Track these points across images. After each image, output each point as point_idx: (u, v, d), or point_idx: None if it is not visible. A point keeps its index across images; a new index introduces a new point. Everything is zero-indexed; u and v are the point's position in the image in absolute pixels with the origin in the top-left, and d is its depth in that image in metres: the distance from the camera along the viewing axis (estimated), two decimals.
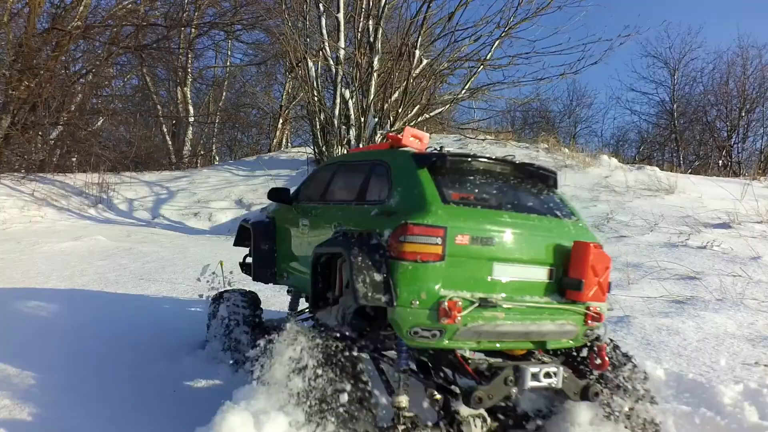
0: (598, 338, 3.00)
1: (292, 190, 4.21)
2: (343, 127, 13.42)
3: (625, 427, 2.95)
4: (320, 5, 13.09)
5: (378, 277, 2.56)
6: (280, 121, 23.37)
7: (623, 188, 13.24)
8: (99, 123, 20.61)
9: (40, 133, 17.14)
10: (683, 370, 4.25)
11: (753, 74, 25.78)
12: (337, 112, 13.21)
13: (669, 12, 46.13)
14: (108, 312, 5.57)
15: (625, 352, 3.19)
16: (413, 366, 2.98)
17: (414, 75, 12.65)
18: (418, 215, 2.60)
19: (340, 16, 13.08)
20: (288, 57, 14.69)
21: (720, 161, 24.61)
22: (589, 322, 2.81)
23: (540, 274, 2.79)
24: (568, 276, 2.81)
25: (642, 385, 3.06)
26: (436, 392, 2.79)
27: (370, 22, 13.08)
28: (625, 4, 42.64)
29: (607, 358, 2.93)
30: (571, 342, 2.92)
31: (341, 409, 2.47)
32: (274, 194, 4.11)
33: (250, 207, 15.36)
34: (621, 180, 13.90)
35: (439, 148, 3.02)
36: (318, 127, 13.89)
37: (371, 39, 13.10)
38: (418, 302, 2.52)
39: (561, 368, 2.77)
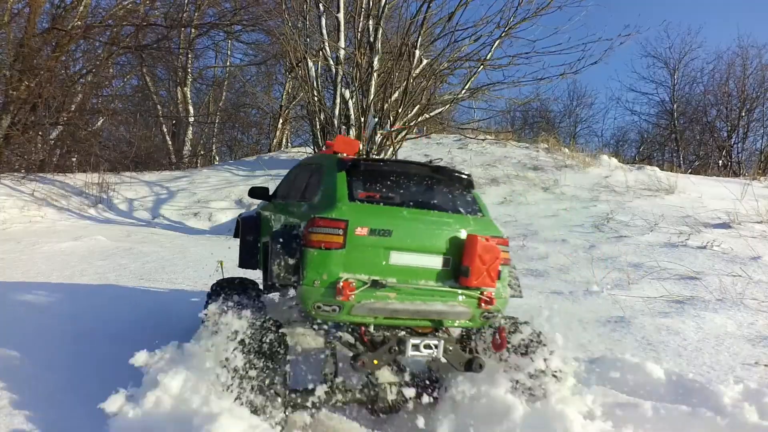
0: (526, 323, 3.49)
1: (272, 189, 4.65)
2: (343, 127, 13.42)
3: (526, 398, 3.29)
4: (320, 5, 13.09)
5: (291, 261, 3.06)
6: (280, 121, 23.37)
7: (623, 188, 13.24)
8: (99, 123, 20.61)
9: (40, 133, 17.15)
10: (683, 370, 4.25)
11: (753, 74, 25.80)
12: (337, 112, 13.20)
13: (669, 12, 46.16)
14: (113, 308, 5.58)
15: (539, 333, 3.49)
16: (338, 340, 3.36)
17: (414, 75, 12.64)
18: (325, 211, 3.09)
19: (340, 16, 13.08)
20: (288, 57, 14.69)
21: (720, 161, 24.61)
22: (483, 305, 3.16)
23: (435, 261, 3.15)
24: (462, 264, 3.16)
25: (546, 363, 3.37)
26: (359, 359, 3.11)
27: (370, 22, 13.07)
28: (625, 4, 42.67)
29: (505, 340, 3.27)
30: (470, 322, 3.29)
31: (252, 378, 2.90)
32: (254, 192, 4.60)
33: (250, 207, 15.37)
34: (621, 180, 13.90)
35: (430, 160, 3.52)
36: (318, 127, 13.89)
37: (371, 39, 13.10)
38: (319, 282, 2.97)
39: (442, 342, 3.16)
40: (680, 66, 28.40)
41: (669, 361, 4.45)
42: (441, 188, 3.45)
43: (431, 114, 14.15)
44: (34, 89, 14.88)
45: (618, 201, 12.07)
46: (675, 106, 28.17)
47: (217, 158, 27.03)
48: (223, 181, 17.31)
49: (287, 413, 3.03)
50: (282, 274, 3.07)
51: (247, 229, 4.45)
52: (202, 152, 26.14)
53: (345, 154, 3.62)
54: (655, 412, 3.48)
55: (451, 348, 3.25)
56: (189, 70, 23.16)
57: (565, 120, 32.77)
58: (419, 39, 12.47)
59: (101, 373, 3.96)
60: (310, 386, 3.15)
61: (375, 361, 3.07)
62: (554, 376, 3.34)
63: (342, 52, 13.18)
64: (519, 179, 14.38)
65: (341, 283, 2.92)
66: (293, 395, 3.07)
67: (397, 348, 3.15)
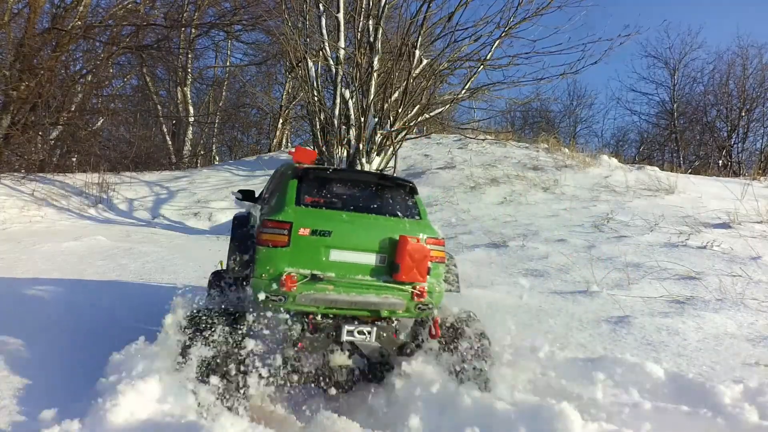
0: (474, 315, 3.98)
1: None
2: (343, 127, 13.42)
3: (460, 379, 3.67)
4: (320, 5, 13.09)
5: (245, 257, 3.55)
6: (280, 121, 23.37)
7: (623, 188, 13.24)
8: (99, 123, 20.61)
9: (40, 133, 17.14)
10: (683, 370, 4.25)
11: (753, 74, 25.80)
12: (337, 112, 13.20)
13: (669, 12, 46.18)
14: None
15: (471, 316, 3.98)
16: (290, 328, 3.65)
17: (414, 75, 12.64)
18: (274, 214, 3.49)
19: (340, 16, 13.08)
20: (288, 57, 14.68)
21: (720, 161, 24.61)
22: (416, 298, 3.50)
23: (370, 259, 3.49)
24: (394, 261, 3.48)
25: (478, 349, 3.77)
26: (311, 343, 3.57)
27: (370, 22, 13.07)
28: (625, 4, 42.68)
29: (439, 329, 3.71)
30: (406, 313, 3.64)
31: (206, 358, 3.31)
32: (242, 193, 4.90)
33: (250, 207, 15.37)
34: (621, 180, 13.90)
35: (380, 169, 3.89)
36: (318, 127, 13.89)
37: (371, 39, 13.10)
38: (266, 276, 3.35)
39: (375, 329, 3.54)
40: (680, 66, 28.42)
41: (669, 361, 4.45)
42: (383, 194, 3.80)
43: (431, 114, 14.14)
44: (34, 89, 14.88)
45: (618, 201, 12.07)
46: (675, 106, 28.17)
47: (217, 158, 27.03)
48: (223, 181, 17.31)
49: (245, 394, 3.37)
50: (237, 268, 3.59)
51: (237, 226, 4.72)
52: (202, 152, 26.14)
53: (302, 163, 3.94)
54: (655, 412, 3.48)
55: (384, 335, 3.62)
56: (189, 70, 23.15)
57: (565, 120, 32.79)
58: (419, 39, 12.46)
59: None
60: (267, 369, 3.43)
61: (314, 344, 3.52)
62: (477, 367, 3.70)
63: (342, 52, 13.18)
64: (519, 179, 14.39)
65: (284, 277, 3.29)
66: (252, 378, 3.40)
67: (333, 333, 3.55)
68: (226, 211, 14.66)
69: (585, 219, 10.69)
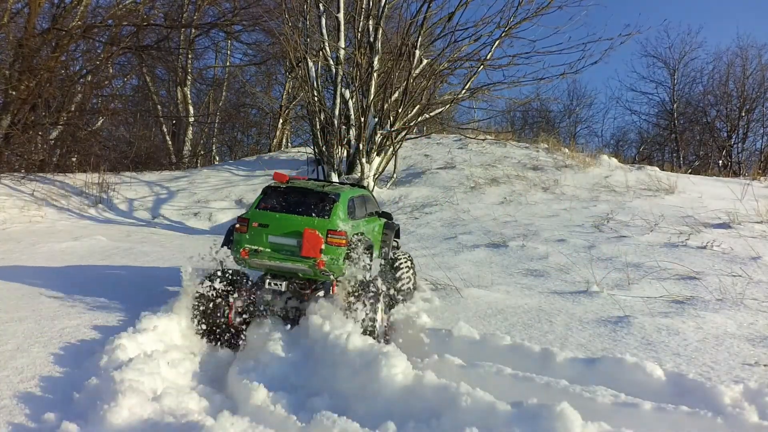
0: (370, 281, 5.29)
1: None
2: (343, 127, 13.42)
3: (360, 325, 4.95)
4: (320, 5, 13.09)
5: (231, 238, 5.41)
6: (280, 121, 23.38)
7: (623, 188, 13.25)
8: (99, 123, 20.61)
9: (40, 133, 17.14)
10: (683, 370, 4.25)
11: (753, 74, 25.81)
12: (337, 112, 13.21)
13: (669, 12, 46.21)
14: None
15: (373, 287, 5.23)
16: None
17: (414, 75, 12.65)
18: (243, 214, 5.34)
19: (340, 16, 13.08)
20: (288, 57, 14.68)
21: (720, 161, 24.63)
22: (318, 266, 4.96)
23: (291, 241, 5.09)
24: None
25: (371, 305, 5.07)
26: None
27: (370, 22, 13.08)
28: (625, 4, 42.69)
29: (335, 290, 5.34)
30: (313, 275, 5.24)
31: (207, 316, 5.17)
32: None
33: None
34: (621, 180, 13.90)
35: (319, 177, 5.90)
36: (318, 127, 13.88)
37: (371, 39, 13.10)
38: (235, 248, 5.21)
39: (285, 282, 5.23)
40: (680, 66, 28.44)
41: (669, 361, 4.45)
42: (310, 202, 5.27)
43: (431, 114, 14.16)
44: (34, 89, 14.88)
45: (618, 201, 12.07)
46: (675, 106, 28.18)
47: (217, 158, 27.04)
48: (223, 181, 17.31)
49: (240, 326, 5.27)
50: (227, 246, 5.47)
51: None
52: (202, 152, 26.14)
53: (277, 182, 5.53)
54: (655, 412, 3.47)
55: (292, 287, 5.39)
56: (189, 70, 23.15)
57: (565, 120, 32.81)
58: (419, 39, 12.47)
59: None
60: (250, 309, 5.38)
61: (246, 292, 5.35)
62: (369, 317, 5.03)
63: (342, 52, 13.18)
64: (519, 179, 14.39)
65: (242, 250, 5.12)
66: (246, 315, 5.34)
67: (260, 283, 5.46)
68: (226, 211, 14.66)
69: (585, 219, 10.69)
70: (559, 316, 5.66)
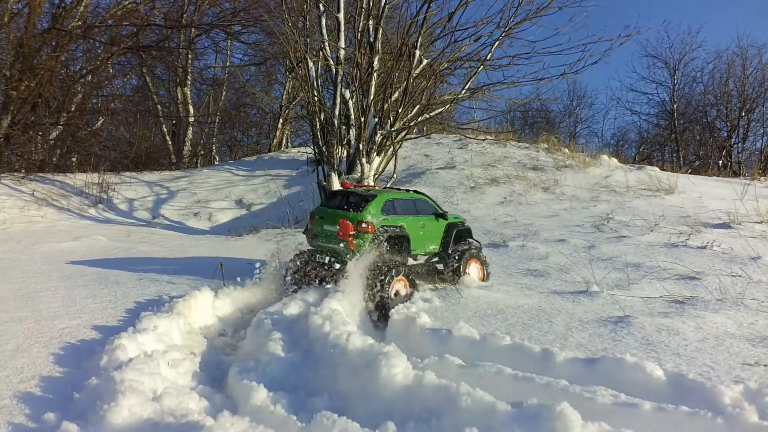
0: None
1: None
2: (343, 127, 13.42)
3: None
4: (320, 5, 13.09)
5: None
6: (280, 121, 23.37)
7: (623, 188, 13.25)
8: (99, 123, 20.61)
9: (40, 133, 17.14)
10: (683, 370, 4.24)
11: (753, 74, 25.82)
12: (337, 112, 13.20)
13: (669, 12, 46.21)
14: None
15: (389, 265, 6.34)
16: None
17: (414, 75, 12.65)
18: (313, 210, 6.96)
19: (341, 16, 13.08)
20: (288, 57, 14.68)
21: (720, 161, 24.63)
22: (350, 247, 6.27)
23: (334, 229, 6.39)
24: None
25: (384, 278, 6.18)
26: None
27: (370, 22, 13.07)
28: (626, 4, 42.69)
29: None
30: (348, 253, 6.38)
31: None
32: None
33: (250, 207, 15.36)
34: (621, 180, 13.91)
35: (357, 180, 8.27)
36: (318, 127, 13.87)
37: (371, 39, 13.10)
38: (306, 233, 6.91)
39: (328, 257, 6.54)
40: (680, 66, 28.44)
41: (669, 361, 4.45)
42: (352, 200, 6.63)
43: (431, 114, 14.14)
44: (34, 89, 14.89)
45: (618, 201, 12.07)
46: (675, 106, 28.19)
47: (217, 158, 27.03)
48: (223, 181, 17.32)
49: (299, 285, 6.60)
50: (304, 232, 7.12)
51: None
52: (202, 152, 26.14)
53: (344, 187, 7.21)
54: (655, 412, 3.47)
55: (334, 260, 6.56)
56: (189, 70, 23.14)
57: (565, 120, 32.82)
58: (419, 39, 12.46)
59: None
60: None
61: (307, 261, 6.82)
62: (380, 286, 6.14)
63: (342, 52, 13.18)
64: (519, 179, 14.39)
65: (308, 235, 6.79)
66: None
67: (313, 256, 6.80)
68: (226, 211, 14.67)
69: (585, 219, 10.69)
70: (559, 316, 5.66)
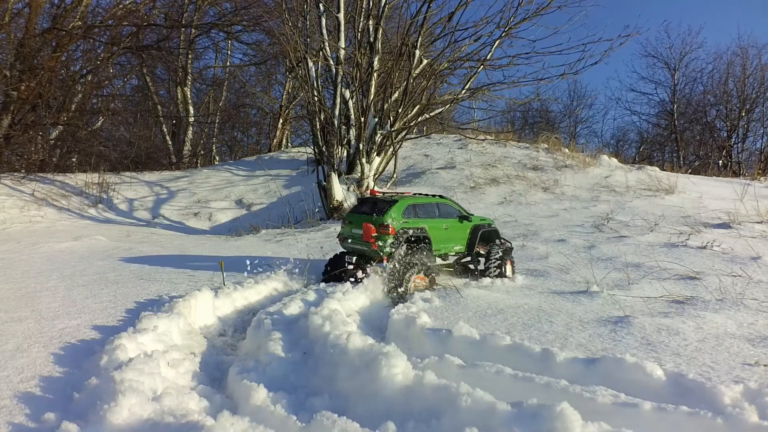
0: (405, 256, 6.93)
1: None
2: (343, 127, 13.41)
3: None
4: (320, 5, 13.09)
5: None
6: (280, 121, 23.37)
7: (623, 188, 13.25)
8: (99, 123, 20.61)
9: (40, 133, 17.15)
10: (683, 370, 4.24)
11: (753, 74, 25.81)
12: (337, 112, 13.20)
13: (669, 12, 46.22)
14: None
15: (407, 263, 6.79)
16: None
17: (414, 75, 12.65)
18: (344, 214, 7.98)
19: (341, 16, 13.08)
20: (288, 57, 14.68)
21: (720, 161, 24.63)
22: (373, 247, 6.74)
23: (360, 231, 6.85)
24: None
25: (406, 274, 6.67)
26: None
27: (370, 22, 13.07)
28: (626, 4, 42.71)
29: (385, 260, 6.80)
30: (372, 253, 6.90)
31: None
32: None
33: (250, 207, 15.36)
34: (621, 180, 13.91)
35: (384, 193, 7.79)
36: (318, 127, 13.88)
37: (371, 39, 13.10)
38: (339, 237, 7.43)
39: (355, 258, 7.22)
40: (680, 66, 28.46)
41: (669, 361, 4.45)
42: (376, 206, 7.11)
43: (431, 114, 14.14)
44: (34, 89, 14.89)
45: (618, 201, 12.07)
46: (675, 106, 28.18)
47: (217, 158, 27.04)
48: (223, 181, 17.31)
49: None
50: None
51: None
52: (202, 152, 26.14)
53: (373, 195, 7.63)
54: (655, 412, 3.47)
55: (361, 260, 7.23)
56: (189, 70, 23.15)
57: (565, 120, 32.83)
58: (419, 39, 12.47)
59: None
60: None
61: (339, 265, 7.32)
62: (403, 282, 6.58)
63: (342, 52, 13.18)
64: (519, 179, 14.39)
65: (339, 237, 7.33)
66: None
67: (344, 257, 7.34)
68: (226, 211, 14.66)
69: (585, 219, 10.69)
70: (559, 316, 5.66)
